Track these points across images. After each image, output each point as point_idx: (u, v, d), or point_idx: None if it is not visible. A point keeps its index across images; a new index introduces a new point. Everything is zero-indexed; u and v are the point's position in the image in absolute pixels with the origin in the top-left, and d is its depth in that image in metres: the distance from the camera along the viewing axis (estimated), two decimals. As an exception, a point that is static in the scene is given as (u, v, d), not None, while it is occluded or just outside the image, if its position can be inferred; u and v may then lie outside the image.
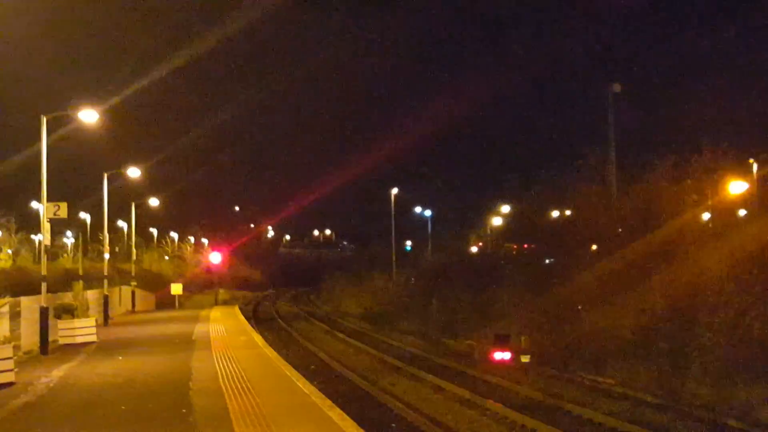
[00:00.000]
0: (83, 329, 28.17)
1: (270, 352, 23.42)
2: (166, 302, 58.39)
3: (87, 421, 13.38)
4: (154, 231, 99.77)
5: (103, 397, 15.83)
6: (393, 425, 17.24)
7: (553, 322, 29.69)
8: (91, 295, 37.57)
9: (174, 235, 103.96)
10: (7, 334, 20.61)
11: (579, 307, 28.87)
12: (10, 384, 17.73)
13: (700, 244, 25.86)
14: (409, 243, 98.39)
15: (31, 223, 68.89)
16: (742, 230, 25.52)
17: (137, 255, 64.79)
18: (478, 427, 17.21)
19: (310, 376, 20.65)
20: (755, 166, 32.04)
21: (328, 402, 14.45)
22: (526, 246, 51.06)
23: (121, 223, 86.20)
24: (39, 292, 25.35)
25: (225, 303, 62.96)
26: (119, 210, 65.54)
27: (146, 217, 79.44)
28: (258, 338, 28.76)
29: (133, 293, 52.39)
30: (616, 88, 37.93)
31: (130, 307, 51.15)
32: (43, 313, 24.91)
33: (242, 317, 42.31)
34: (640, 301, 25.71)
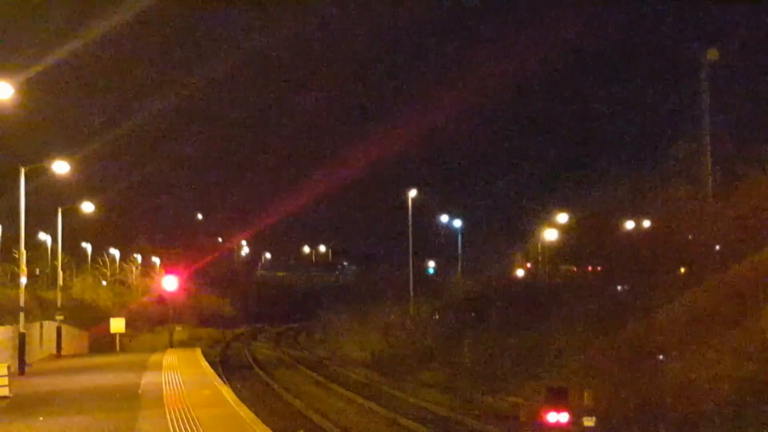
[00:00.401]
0: (-8, 380, 28.28)
1: (244, 413, 23.43)
2: (103, 343, 58.54)
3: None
4: (87, 247, 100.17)
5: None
6: None
7: (627, 371, 29.65)
8: (3, 333, 37.73)
9: (115, 252, 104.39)
10: None
11: (660, 357, 28.84)
12: None
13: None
14: (431, 264, 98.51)
15: None
16: None
17: (65, 279, 65.07)
18: None
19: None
20: None
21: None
22: (590, 268, 51.10)
23: (44, 236, 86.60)
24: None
25: (183, 344, 63.02)
26: (41, 218, 65.85)
27: (78, 229, 79.75)
28: (228, 393, 28.79)
29: (59, 331, 52.54)
30: (713, 55, 37.96)
31: (54, 350, 51.30)
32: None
33: (206, 364, 42.37)
34: (744, 344, 25.67)
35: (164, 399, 26.69)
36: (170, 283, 64.36)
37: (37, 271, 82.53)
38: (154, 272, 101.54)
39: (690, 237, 33.87)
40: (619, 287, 41.14)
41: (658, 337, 30.10)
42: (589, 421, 26.14)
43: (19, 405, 26.46)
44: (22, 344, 38.92)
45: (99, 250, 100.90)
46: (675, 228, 33.67)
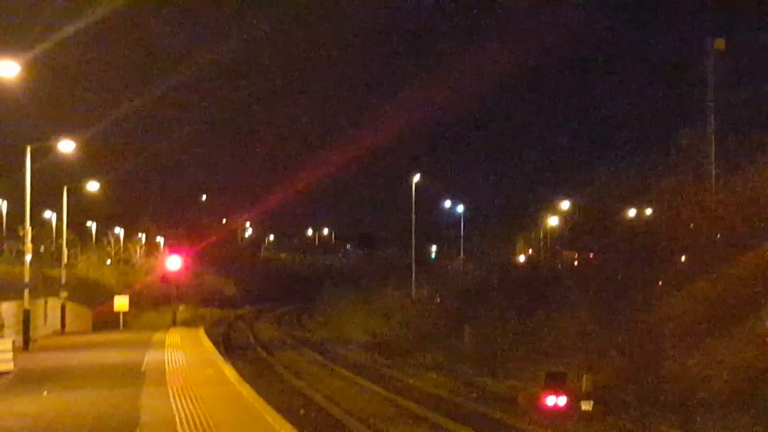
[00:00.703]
0: (-4, 354, 28.44)
1: (246, 391, 23.58)
2: (107, 321, 58.71)
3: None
4: (92, 225, 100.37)
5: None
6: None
7: (626, 357, 29.75)
8: (7, 308, 37.93)
9: (119, 231, 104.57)
10: None
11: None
12: None
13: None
14: (434, 249, 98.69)
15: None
16: None
17: (69, 257, 65.25)
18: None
19: (298, 423, 20.80)
20: None
21: (322, 457, 14.59)
22: (592, 255, 51.14)
23: (49, 215, 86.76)
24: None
25: (186, 324, 63.25)
26: (46, 197, 65.96)
27: (82, 207, 79.95)
28: (230, 372, 28.95)
29: (63, 308, 52.72)
30: (719, 44, 37.93)
31: (58, 327, 51.48)
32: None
33: (209, 343, 42.57)
34: (745, 333, 25.75)
35: (167, 377, 26.85)
36: (174, 262, 64.61)
37: (42, 249, 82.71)
38: (158, 252, 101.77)
39: (692, 226, 33.86)
40: (619, 275, 41.17)
41: (660, 326, 30.15)
42: (587, 405, 26.28)
43: (23, 379, 26.66)
44: (26, 320, 39.13)
45: (104, 229, 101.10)
46: (677, 216, 33.67)
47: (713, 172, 34.79)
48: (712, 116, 36.60)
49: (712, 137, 36.13)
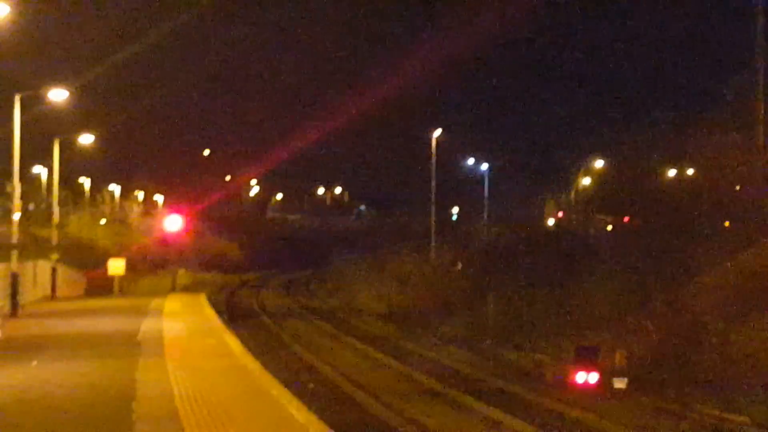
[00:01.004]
0: (-19, 321, 28.62)
1: (251, 363, 23.59)
2: (100, 286, 58.90)
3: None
4: (86, 182, 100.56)
5: (8, 419, 16.06)
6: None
7: (663, 331, 29.68)
8: (-6, 271, 38.06)
9: (115, 188, 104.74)
10: None
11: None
12: None
13: None
14: (455, 210, 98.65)
15: None
16: None
17: (61, 216, 65.38)
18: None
19: (307, 398, 20.85)
20: None
21: (333, 437, 14.60)
22: (627, 219, 51.05)
23: (39, 170, 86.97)
24: None
25: (186, 289, 63.43)
26: (36, 150, 66.06)
27: (75, 162, 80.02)
28: (233, 342, 28.99)
29: (53, 271, 52.88)
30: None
31: (48, 292, 51.67)
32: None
33: (211, 311, 42.65)
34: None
35: (165, 346, 26.89)
36: (174, 223, 64.64)
37: (31, 207, 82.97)
38: (157, 211, 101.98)
39: (737, 188, 33.73)
40: (657, 242, 41.13)
41: (703, 302, 30.06)
42: (620, 383, 26.22)
43: (10, 348, 26.75)
44: (14, 284, 39.17)
45: (98, 185, 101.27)
46: (721, 178, 33.50)
47: (762, 129, 34.50)
48: (762, 67, 36.18)
49: (761, 90, 35.78)
